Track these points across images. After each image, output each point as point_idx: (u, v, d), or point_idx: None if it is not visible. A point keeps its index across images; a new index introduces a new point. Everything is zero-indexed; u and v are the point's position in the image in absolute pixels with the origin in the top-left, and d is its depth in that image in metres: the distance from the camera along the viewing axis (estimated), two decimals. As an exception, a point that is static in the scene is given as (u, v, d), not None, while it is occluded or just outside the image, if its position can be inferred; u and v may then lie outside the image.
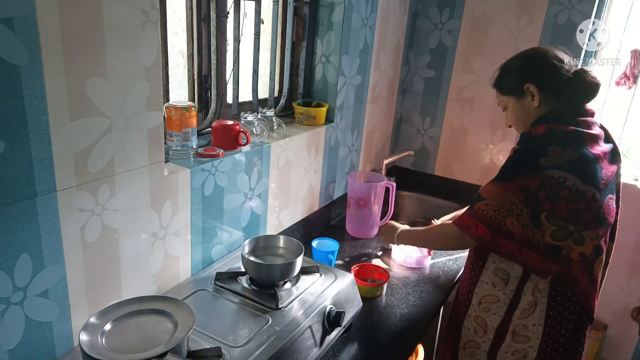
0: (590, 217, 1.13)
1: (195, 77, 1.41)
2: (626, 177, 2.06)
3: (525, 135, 1.24)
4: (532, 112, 1.24)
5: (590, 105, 1.24)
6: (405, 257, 1.68)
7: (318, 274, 1.29)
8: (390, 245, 1.77)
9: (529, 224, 1.13)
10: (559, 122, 1.18)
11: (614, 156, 1.24)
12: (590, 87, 1.20)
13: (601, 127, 1.25)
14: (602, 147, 1.19)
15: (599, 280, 1.25)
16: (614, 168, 1.22)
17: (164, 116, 1.24)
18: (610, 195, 1.19)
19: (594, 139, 1.17)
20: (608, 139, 1.25)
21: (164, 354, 0.82)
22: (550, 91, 1.22)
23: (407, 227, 1.53)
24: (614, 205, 1.23)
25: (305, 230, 1.79)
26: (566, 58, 1.23)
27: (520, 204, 1.12)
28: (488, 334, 1.29)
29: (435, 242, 1.41)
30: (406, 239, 1.48)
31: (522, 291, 1.23)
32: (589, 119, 1.20)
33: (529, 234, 1.13)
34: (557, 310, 1.21)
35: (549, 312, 1.21)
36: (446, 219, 1.71)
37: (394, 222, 1.57)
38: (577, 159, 1.12)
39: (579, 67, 1.23)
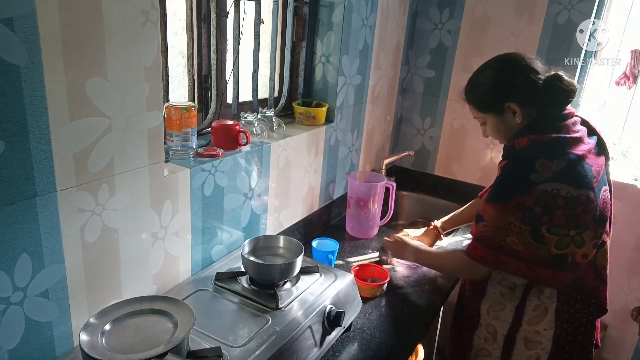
0: (587, 218, 1.13)
1: (195, 77, 1.41)
2: (626, 177, 2.06)
3: (509, 150, 1.24)
4: (514, 126, 1.24)
5: (569, 107, 1.24)
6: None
7: (318, 274, 1.29)
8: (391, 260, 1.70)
9: (532, 240, 1.13)
10: (540, 131, 1.18)
11: (601, 148, 1.24)
12: (566, 93, 1.19)
13: (583, 122, 1.25)
14: (587, 145, 1.19)
15: (606, 270, 1.25)
16: (601, 160, 1.21)
17: (164, 116, 1.24)
18: (604, 188, 1.20)
19: (577, 141, 1.17)
20: (591, 132, 1.25)
21: (164, 354, 0.82)
22: (532, 104, 1.21)
23: (418, 243, 1.49)
24: (609, 197, 1.22)
25: (305, 230, 1.79)
26: (538, 66, 1.22)
27: (518, 223, 1.13)
28: (498, 341, 1.30)
29: (446, 270, 1.38)
30: (416, 259, 1.46)
31: (527, 297, 1.24)
32: (569, 121, 1.20)
33: (534, 250, 1.13)
34: (565, 311, 1.22)
35: (558, 313, 1.22)
36: (446, 219, 1.71)
37: (403, 238, 1.54)
38: (566, 166, 1.12)
39: (552, 72, 1.21)
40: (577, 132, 1.19)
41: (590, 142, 1.20)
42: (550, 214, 1.11)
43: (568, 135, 1.16)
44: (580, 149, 1.16)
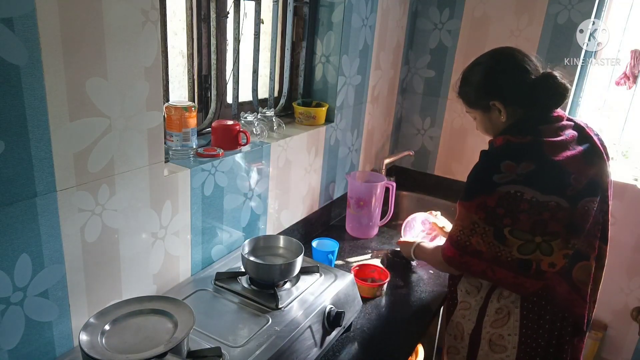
0: (558, 226, 1.09)
1: (195, 77, 1.41)
2: (626, 177, 2.06)
3: (485, 150, 1.22)
4: (500, 124, 1.22)
5: (559, 111, 1.19)
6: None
7: (318, 274, 1.29)
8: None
9: (494, 241, 1.11)
10: (518, 133, 1.14)
11: (594, 157, 1.17)
12: (555, 94, 1.15)
13: (577, 127, 1.20)
14: (571, 151, 1.13)
15: (587, 287, 1.20)
16: (592, 170, 1.15)
17: (164, 116, 1.24)
18: (589, 199, 1.12)
19: (557, 145, 1.12)
20: (584, 139, 1.18)
21: (164, 354, 0.82)
22: (517, 104, 1.18)
23: (422, 242, 1.56)
24: (594, 208, 1.15)
25: (305, 230, 1.79)
26: (532, 64, 1.17)
27: (482, 222, 1.12)
28: (464, 340, 1.29)
29: (434, 264, 1.43)
30: (419, 254, 1.54)
31: (489, 298, 1.23)
32: (556, 124, 1.16)
33: (497, 251, 1.12)
34: (531, 319, 1.18)
35: (522, 321, 1.19)
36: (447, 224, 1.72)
37: (408, 239, 1.62)
38: (534, 170, 1.08)
39: (547, 70, 1.17)
40: (561, 136, 1.14)
41: (576, 149, 1.14)
42: (513, 217, 1.08)
43: (547, 139, 1.12)
44: (559, 155, 1.11)
